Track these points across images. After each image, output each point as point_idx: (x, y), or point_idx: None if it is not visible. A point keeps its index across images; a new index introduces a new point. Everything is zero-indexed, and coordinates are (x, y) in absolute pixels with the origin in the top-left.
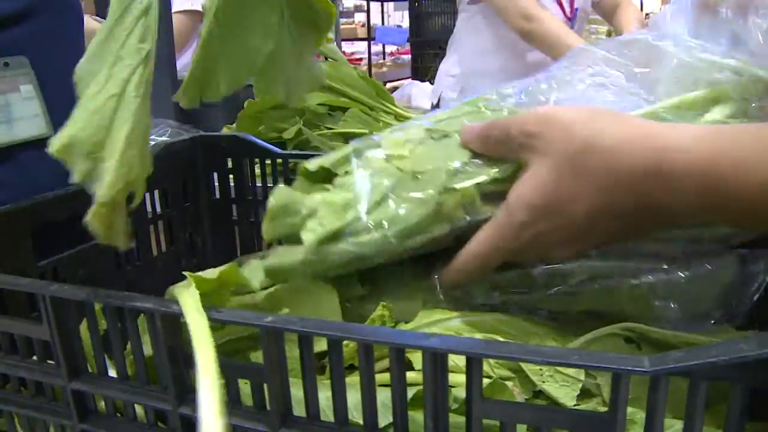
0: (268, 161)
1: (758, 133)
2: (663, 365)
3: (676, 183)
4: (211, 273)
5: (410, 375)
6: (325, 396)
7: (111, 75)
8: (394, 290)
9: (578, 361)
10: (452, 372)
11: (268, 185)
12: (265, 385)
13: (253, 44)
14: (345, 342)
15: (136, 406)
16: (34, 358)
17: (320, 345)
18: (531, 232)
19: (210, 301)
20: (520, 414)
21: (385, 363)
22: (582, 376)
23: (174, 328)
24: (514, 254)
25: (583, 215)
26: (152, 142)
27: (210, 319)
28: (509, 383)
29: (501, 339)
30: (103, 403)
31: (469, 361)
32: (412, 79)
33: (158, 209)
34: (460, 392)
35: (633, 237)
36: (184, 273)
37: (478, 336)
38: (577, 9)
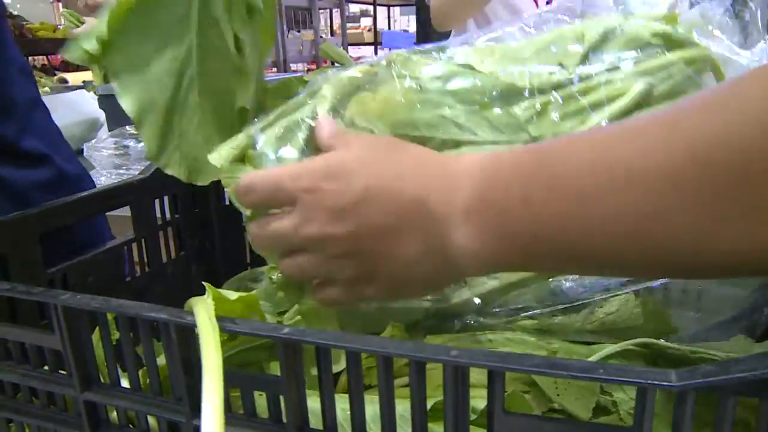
0: None
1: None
2: (690, 380)
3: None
4: (231, 294)
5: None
6: (341, 408)
7: None
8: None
9: (603, 374)
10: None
11: None
12: (281, 398)
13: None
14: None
15: (149, 417)
16: (46, 367)
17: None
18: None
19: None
20: (542, 428)
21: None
22: (597, 389)
23: (188, 339)
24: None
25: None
26: None
27: (225, 330)
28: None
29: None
30: (115, 414)
31: (490, 374)
32: None
33: (167, 215)
34: (477, 403)
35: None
36: (203, 284)
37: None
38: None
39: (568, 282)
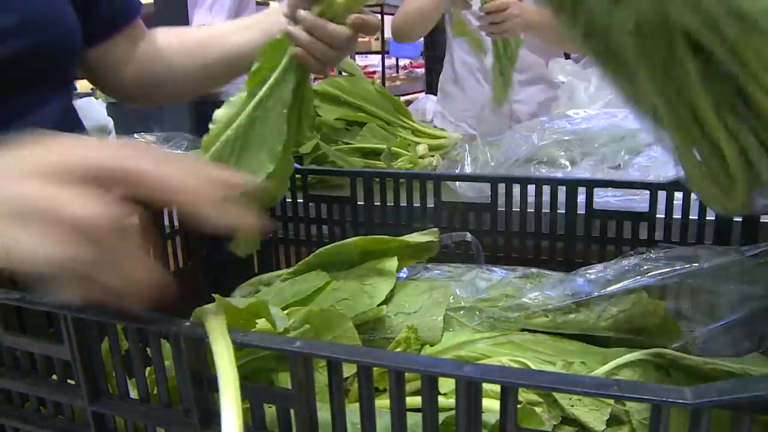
0: None
1: None
2: (706, 397)
3: None
4: (240, 302)
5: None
6: (351, 422)
7: None
8: (413, 310)
9: (617, 392)
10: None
11: (287, 200)
12: (291, 410)
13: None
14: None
15: (157, 428)
16: (54, 377)
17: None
18: None
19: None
20: None
21: (410, 385)
22: (611, 401)
23: (198, 351)
24: None
25: None
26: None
27: (236, 342)
28: (538, 408)
29: (528, 361)
30: (123, 424)
31: (503, 390)
32: (426, 92)
33: (176, 224)
34: (488, 417)
35: None
36: (213, 295)
37: (505, 359)
38: None
39: (580, 278)
